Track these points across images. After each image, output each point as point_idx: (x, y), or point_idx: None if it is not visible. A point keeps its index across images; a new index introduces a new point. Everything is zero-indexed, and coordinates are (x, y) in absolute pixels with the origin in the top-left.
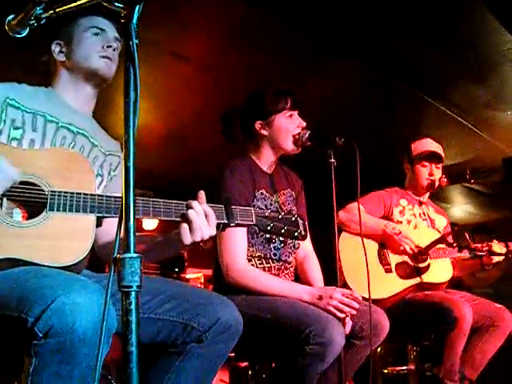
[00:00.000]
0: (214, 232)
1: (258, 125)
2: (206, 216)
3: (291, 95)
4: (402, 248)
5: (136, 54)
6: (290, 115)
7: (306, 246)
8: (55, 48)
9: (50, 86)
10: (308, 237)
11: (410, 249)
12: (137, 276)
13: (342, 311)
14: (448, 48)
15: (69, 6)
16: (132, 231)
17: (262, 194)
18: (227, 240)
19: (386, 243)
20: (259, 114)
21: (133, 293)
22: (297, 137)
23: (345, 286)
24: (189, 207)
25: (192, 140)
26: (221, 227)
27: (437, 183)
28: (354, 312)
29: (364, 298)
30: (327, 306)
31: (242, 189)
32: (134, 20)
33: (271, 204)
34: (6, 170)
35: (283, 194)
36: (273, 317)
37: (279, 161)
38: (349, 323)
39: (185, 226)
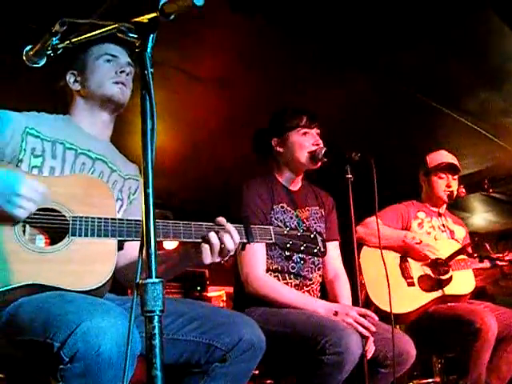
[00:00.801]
0: (232, 254)
1: (274, 142)
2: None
3: (307, 113)
4: (423, 255)
5: (151, 82)
6: (305, 133)
7: (337, 265)
8: (70, 78)
9: (68, 113)
10: (339, 256)
11: (434, 254)
12: (159, 301)
13: (356, 330)
14: (462, 56)
15: (84, 37)
16: (153, 256)
17: (282, 207)
18: (247, 251)
19: (407, 254)
20: (276, 131)
21: (156, 317)
22: (313, 153)
23: (368, 300)
24: (211, 230)
25: (208, 158)
26: (240, 246)
27: (455, 194)
28: (368, 334)
29: (387, 314)
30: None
31: (259, 203)
32: (149, 49)
33: (291, 218)
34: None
35: (308, 210)
36: (289, 330)
37: (307, 180)
38: (371, 349)
39: (206, 246)
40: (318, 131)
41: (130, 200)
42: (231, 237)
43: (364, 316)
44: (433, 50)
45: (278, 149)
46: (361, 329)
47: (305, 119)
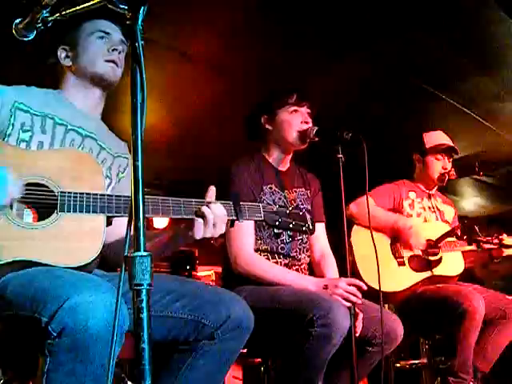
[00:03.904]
0: (223, 231)
1: (263, 119)
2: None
3: (297, 91)
4: (409, 243)
5: (142, 55)
6: (295, 110)
7: (323, 246)
8: (61, 53)
9: (59, 88)
10: (325, 237)
11: (417, 247)
12: (147, 274)
13: (347, 300)
14: (455, 41)
15: (75, 9)
16: (142, 230)
17: (270, 188)
18: (235, 231)
19: (397, 237)
20: (265, 108)
21: (144, 291)
22: (304, 132)
23: (357, 278)
24: (203, 205)
25: (200, 139)
26: (230, 223)
27: (447, 176)
28: (360, 302)
29: (376, 291)
30: (332, 295)
31: (250, 182)
32: (139, 21)
33: (280, 198)
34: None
35: (295, 191)
36: (277, 305)
37: (295, 161)
38: (359, 326)
39: (200, 221)
40: (309, 110)
41: (119, 178)
42: (221, 211)
43: (353, 285)
44: (427, 35)
45: (266, 126)
46: (352, 297)
47: (295, 97)
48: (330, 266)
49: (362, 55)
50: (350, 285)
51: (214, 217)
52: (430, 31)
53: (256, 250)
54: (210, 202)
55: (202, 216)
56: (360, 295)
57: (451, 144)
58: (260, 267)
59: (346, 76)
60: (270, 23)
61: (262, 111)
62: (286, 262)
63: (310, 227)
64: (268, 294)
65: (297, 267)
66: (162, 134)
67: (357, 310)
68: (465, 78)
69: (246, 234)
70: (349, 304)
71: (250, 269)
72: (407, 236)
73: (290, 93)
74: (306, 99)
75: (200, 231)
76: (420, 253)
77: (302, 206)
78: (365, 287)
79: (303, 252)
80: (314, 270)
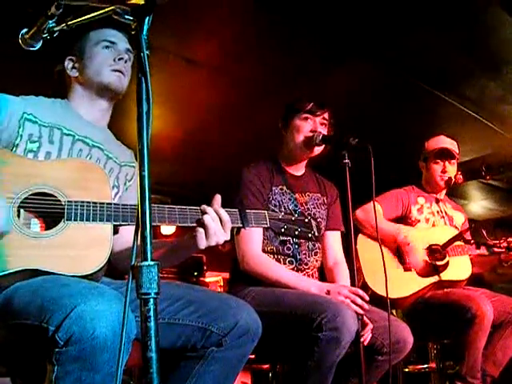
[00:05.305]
0: (228, 237)
1: (280, 123)
2: (222, 222)
3: (314, 100)
4: (405, 258)
5: (147, 65)
6: (307, 118)
7: (337, 254)
8: (68, 64)
9: (66, 98)
10: (340, 245)
11: (411, 265)
12: (155, 283)
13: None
14: (461, 43)
15: (80, 19)
16: (149, 239)
17: (281, 189)
18: (244, 231)
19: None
20: (284, 113)
21: (151, 300)
22: (309, 138)
23: (364, 285)
24: (204, 213)
25: (207, 145)
26: (236, 231)
27: (452, 180)
28: (361, 311)
29: (383, 298)
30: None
31: (259, 184)
32: (145, 32)
33: (289, 199)
34: None
35: (308, 195)
36: (284, 309)
37: (311, 167)
38: (368, 336)
39: (201, 230)
40: (325, 122)
41: (126, 187)
42: (224, 218)
43: (356, 295)
44: (432, 37)
45: (282, 130)
46: (354, 306)
47: (310, 105)
48: (342, 274)
49: (367, 60)
50: (352, 293)
51: (215, 225)
52: (435, 34)
53: (262, 251)
54: (215, 210)
55: (203, 225)
56: (366, 306)
57: (447, 147)
58: (266, 267)
59: (353, 81)
60: (273, 28)
61: (281, 116)
62: (293, 266)
63: (316, 234)
64: (274, 297)
65: (304, 272)
66: (167, 140)
67: (366, 320)
68: (470, 80)
69: (254, 234)
70: None
71: (257, 268)
72: (406, 254)
73: (307, 100)
74: (322, 109)
75: (203, 241)
76: (426, 258)
77: (314, 210)
78: (367, 298)
79: (311, 255)
80: (326, 276)
